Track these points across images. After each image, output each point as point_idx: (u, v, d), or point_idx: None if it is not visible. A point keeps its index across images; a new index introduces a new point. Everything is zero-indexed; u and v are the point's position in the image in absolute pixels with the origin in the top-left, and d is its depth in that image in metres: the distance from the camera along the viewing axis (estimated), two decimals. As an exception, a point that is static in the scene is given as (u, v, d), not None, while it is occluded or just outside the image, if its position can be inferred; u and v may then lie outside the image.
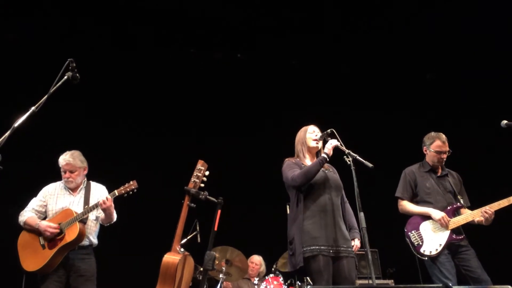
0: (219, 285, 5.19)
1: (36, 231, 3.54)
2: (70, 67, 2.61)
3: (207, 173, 3.28)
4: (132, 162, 6.07)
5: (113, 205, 3.55)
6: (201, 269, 4.82)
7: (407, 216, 3.89)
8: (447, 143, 3.87)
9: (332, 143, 3.16)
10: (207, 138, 6.77)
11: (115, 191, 3.53)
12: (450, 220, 3.68)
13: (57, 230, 3.46)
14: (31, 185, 3.91)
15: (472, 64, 6.77)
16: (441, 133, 3.93)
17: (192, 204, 3.18)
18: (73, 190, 3.74)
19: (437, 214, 3.70)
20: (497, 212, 3.65)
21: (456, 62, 6.86)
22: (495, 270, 3.67)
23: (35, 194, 3.77)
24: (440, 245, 3.62)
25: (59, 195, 3.71)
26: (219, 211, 3.07)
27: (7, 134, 2.26)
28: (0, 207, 4.71)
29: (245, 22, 6.67)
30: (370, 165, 3.01)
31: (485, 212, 3.61)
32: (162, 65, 6.79)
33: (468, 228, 3.77)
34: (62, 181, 3.76)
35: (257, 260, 5.88)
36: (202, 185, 3.26)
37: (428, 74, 7.45)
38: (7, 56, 5.76)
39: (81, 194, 3.72)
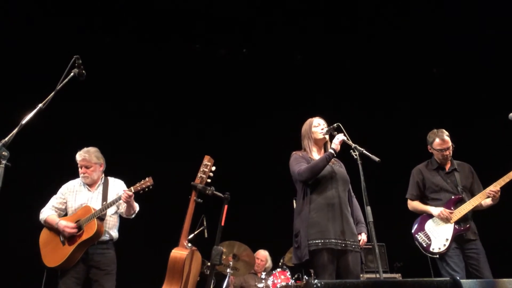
0: (226, 279, 5.21)
1: (56, 229, 3.59)
2: (76, 64, 2.63)
3: (213, 168, 3.29)
4: (137, 157, 6.09)
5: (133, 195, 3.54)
6: (209, 264, 4.84)
7: (415, 212, 3.91)
8: (447, 139, 3.77)
9: (339, 137, 3.14)
10: (213, 133, 6.78)
11: (131, 188, 3.53)
12: (452, 212, 3.67)
13: (75, 230, 3.51)
14: (52, 182, 3.96)
15: (477, 58, 6.69)
16: (442, 130, 3.82)
17: (199, 200, 3.20)
18: (90, 186, 3.78)
19: (435, 211, 3.72)
20: (503, 209, 3.62)
21: (462, 56, 6.79)
22: (503, 264, 3.65)
23: (56, 192, 3.82)
24: (447, 239, 3.60)
25: (78, 191, 3.76)
26: (226, 206, 3.07)
27: (14, 131, 2.27)
28: (21, 205, 4.77)
29: (250, 17, 6.65)
30: (376, 159, 3.00)
31: (489, 192, 3.61)
32: (168, 61, 6.79)
33: (477, 223, 3.74)
34: (80, 177, 3.81)
35: (262, 256, 5.87)
36: (209, 180, 3.27)
37: (435, 69, 7.39)
38: (10, 55, 5.79)
39: (99, 190, 3.76)
